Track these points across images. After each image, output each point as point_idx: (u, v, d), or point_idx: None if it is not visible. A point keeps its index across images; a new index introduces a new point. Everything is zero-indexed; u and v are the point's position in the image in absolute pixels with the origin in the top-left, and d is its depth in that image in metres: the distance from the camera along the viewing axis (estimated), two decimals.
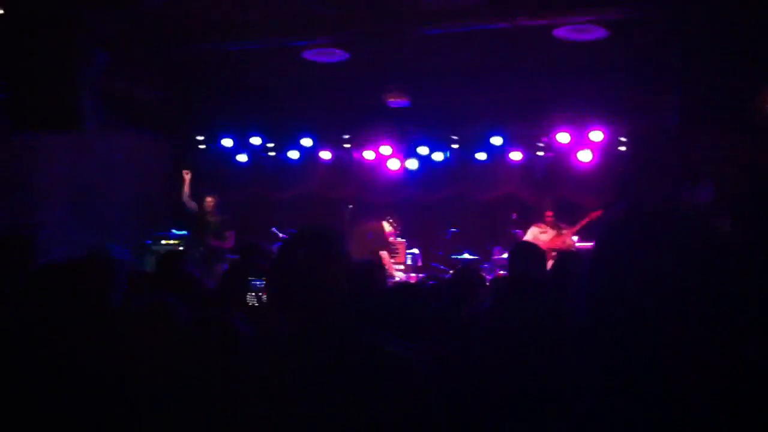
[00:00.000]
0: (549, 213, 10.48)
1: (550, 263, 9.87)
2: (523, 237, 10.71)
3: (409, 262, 11.52)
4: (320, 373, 2.04)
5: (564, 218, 10.58)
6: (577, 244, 10.43)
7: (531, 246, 6.19)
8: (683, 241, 1.11)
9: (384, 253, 10.30)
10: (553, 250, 10.12)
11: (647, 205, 1.21)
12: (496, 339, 2.29)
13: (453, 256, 11.37)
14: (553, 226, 10.49)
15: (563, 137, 11.38)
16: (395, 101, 10.96)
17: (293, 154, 12.74)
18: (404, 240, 11.50)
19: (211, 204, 10.36)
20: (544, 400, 2.01)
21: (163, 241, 10.81)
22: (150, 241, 10.77)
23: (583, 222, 10.38)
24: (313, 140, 12.47)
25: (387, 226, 10.72)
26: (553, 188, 11.85)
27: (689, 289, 1.07)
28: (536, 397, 2.04)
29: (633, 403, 1.09)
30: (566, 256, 5.52)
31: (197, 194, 10.65)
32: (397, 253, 11.35)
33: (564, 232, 10.43)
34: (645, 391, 1.09)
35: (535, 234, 10.48)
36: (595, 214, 10.30)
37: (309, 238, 2.28)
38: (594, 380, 1.17)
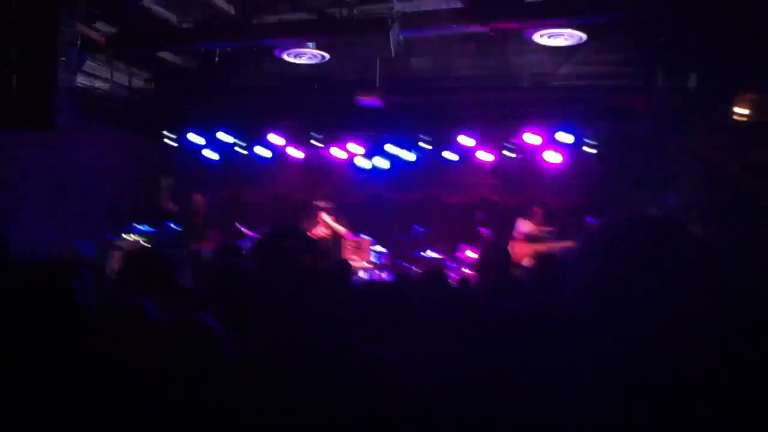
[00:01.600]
0: (539, 212, 10.49)
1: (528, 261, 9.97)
2: (488, 236, 10.74)
3: (374, 259, 11.52)
4: (295, 373, 2.06)
5: (550, 223, 10.58)
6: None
7: (499, 247, 6.25)
8: (678, 247, 1.15)
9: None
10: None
11: (638, 213, 1.26)
12: (479, 339, 2.29)
13: (417, 254, 11.40)
14: (540, 227, 10.46)
15: (532, 138, 11.46)
16: (366, 100, 10.94)
17: (263, 152, 12.66)
18: (369, 238, 11.51)
19: (201, 203, 10.18)
20: (532, 401, 2.02)
21: (124, 235, 10.62)
22: (112, 236, 10.60)
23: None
24: (284, 138, 12.41)
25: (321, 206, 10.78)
26: (523, 189, 11.94)
27: (683, 292, 1.11)
28: (525, 397, 2.05)
29: (621, 402, 1.12)
30: (546, 259, 5.47)
31: (177, 193, 10.52)
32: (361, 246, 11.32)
33: (548, 241, 10.41)
34: (636, 390, 1.12)
35: (532, 227, 10.42)
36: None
37: (281, 238, 2.31)
38: (584, 379, 1.19)
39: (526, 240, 10.14)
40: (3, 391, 2.30)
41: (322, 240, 10.53)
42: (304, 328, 2.20)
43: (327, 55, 9.79)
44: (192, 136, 12.50)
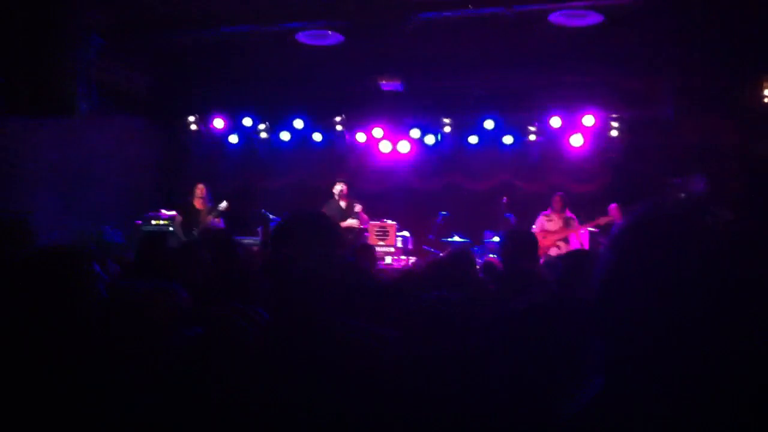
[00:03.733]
0: (557, 198, 10.48)
1: (554, 251, 9.97)
2: (513, 221, 10.73)
3: (399, 245, 11.51)
4: (305, 362, 2.06)
5: (574, 209, 10.57)
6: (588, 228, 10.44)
7: (523, 234, 6.18)
8: (710, 242, 1.13)
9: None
10: (559, 240, 10.19)
11: (667, 206, 1.22)
12: (498, 326, 2.30)
13: (443, 240, 11.38)
14: (560, 213, 10.47)
15: (555, 121, 11.41)
16: (388, 84, 10.92)
17: (285, 136, 12.71)
18: (395, 222, 11.49)
19: (203, 192, 10.30)
20: (550, 388, 2.03)
21: (153, 222, 10.74)
22: (141, 222, 10.72)
23: (600, 222, 10.32)
24: (306, 122, 12.44)
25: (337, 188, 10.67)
26: (546, 173, 11.90)
27: (715, 289, 1.09)
28: (543, 384, 2.06)
29: (643, 392, 1.11)
30: (578, 254, 5.40)
31: (189, 181, 10.61)
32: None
33: (573, 224, 10.41)
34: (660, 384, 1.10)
35: (542, 223, 10.51)
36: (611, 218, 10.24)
37: (302, 225, 2.28)
38: (605, 367, 1.18)
39: (544, 234, 10.17)
40: (23, 374, 2.31)
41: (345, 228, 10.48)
42: (318, 315, 2.21)
43: (345, 37, 9.80)
44: (216, 122, 12.58)
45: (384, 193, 12.33)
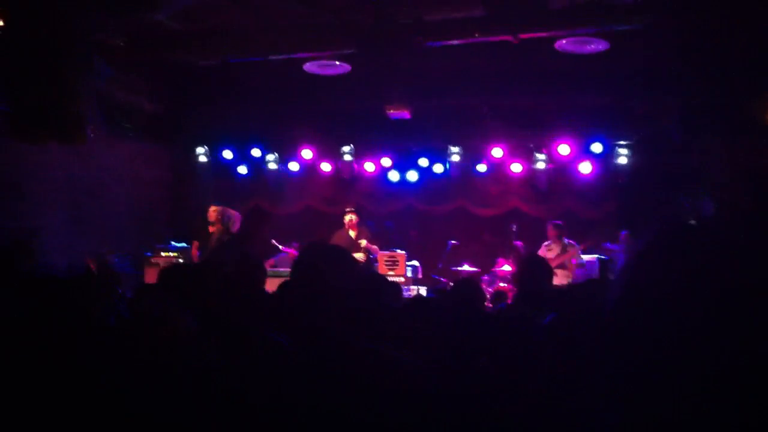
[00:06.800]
0: (550, 227, 10.48)
1: (556, 280, 9.96)
2: (522, 248, 10.71)
3: (409, 274, 11.45)
4: (325, 380, 2.05)
5: (570, 234, 10.55)
6: (585, 257, 10.42)
7: (538, 258, 6.18)
8: (718, 258, 1.12)
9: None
10: (557, 267, 10.15)
11: (683, 223, 1.21)
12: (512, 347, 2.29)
13: (453, 268, 11.33)
14: (558, 241, 10.45)
15: (563, 149, 11.41)
16: (396, 113, 10.95)
17: (294, 166, 12.74)
18: (404, 252, 11.45)
19: (215, 214, 10.12)
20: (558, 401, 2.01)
21: (163, 254, 10.73)
22: (150, 253, 10.70)
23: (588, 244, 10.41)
24: (314, 152, 12.48)
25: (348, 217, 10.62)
26: (554, 200, 11.86)
27: (726, 304, 1.08)
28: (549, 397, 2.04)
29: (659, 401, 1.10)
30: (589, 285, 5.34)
31: (200, 205, 10.54)
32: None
33: (569, 250, 10.39)
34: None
35: (542, 252, 10.49)
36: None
37: (316, 257, 2.32)
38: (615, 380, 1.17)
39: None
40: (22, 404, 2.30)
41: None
42: (333, 336, 2.22)
43: (353, 67, 9.87)
44: (225, 153, 12.62)
45: (392, 221, 12.32)
